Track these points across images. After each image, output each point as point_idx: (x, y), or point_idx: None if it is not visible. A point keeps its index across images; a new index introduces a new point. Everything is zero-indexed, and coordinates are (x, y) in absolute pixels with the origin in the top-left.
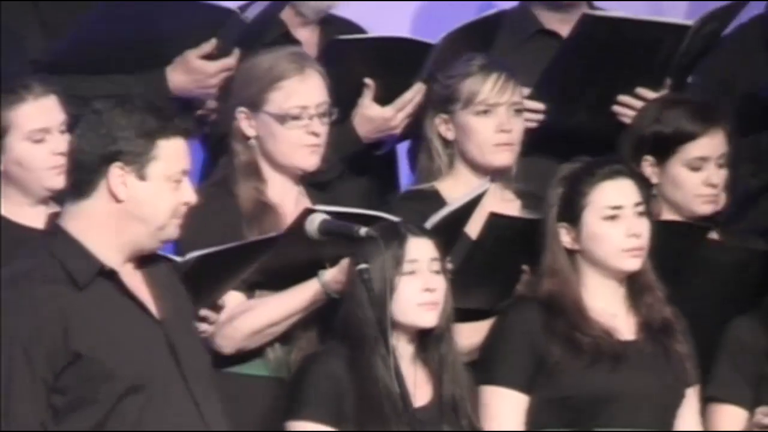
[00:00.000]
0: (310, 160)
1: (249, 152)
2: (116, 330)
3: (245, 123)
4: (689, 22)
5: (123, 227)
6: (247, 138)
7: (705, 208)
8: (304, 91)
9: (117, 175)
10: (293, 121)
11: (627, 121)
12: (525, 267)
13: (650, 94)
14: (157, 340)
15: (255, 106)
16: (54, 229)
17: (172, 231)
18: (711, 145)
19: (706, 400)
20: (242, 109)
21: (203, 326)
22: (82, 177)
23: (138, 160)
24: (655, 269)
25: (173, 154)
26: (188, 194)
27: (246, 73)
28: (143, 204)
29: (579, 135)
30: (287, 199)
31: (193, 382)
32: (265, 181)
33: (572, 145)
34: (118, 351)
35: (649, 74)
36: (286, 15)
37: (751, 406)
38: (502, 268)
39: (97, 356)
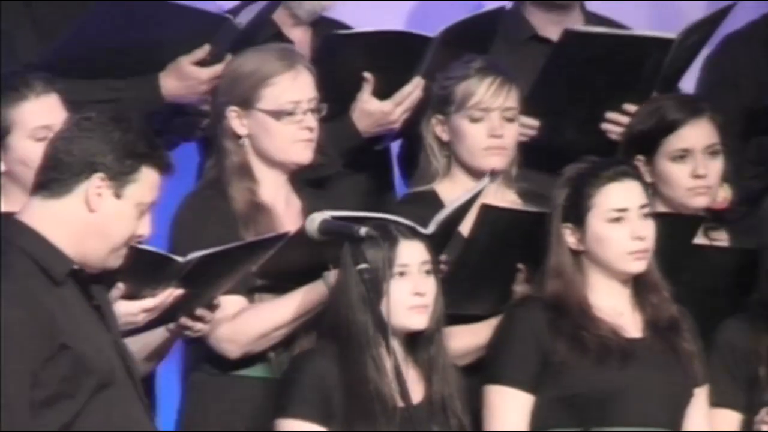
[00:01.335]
0: (304, 154)
1: (240, 151)
2: (86, 328)
3: (236, 122)
4: (672, 35)
5: (84, 237)
6: (239, 137)
7: (699, 201)
8: (297, 86)
9: (96, 185)
10: (288, 117)
11: (616, 137)
12: (521, 266)
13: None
14: (110, 342)
15: (247, 104)
16: (14, 224)
17: (118, 258)
18: (694, 134)
19: None
20: (233, 107)
21: (198, 326)
22: (60, 178)
23: (120, 178)
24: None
25: (150, 183)
26: (146, 228)
27: (234, 72)
28: (110, 220)
29: (570, 151)
30: (279, 198)
31: (138, 385)
32: (258, 181)
33: (565, 161)
34: (90, 347)
35: (635, 89)
36: (279, 15)
37: (744, 409)
38: (497, 267)
39: (79, 349)
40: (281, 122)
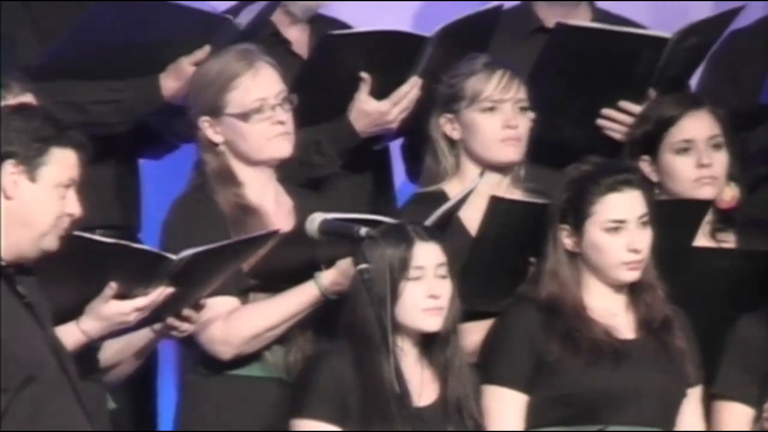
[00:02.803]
0: (283, 147)
1: (219, 159)
2: (14, 323)
3: (210, 131)
4: (667, 34)
5: (9, 229)
6: (215, 145)
7: (705, 192)
8: (259, 84)
9: (9, 172)
10: (256, 116)
11: (612, 134)
12: (532, 259)
13: (632, 107)
14: (42, 338)
15: (215, 111)
16: None
17: (52, 240)
18: (694, 126)
19: (712, 398)
20: (204, 117)
21: (185, 326)
22: None
23: (30, 162)
24: (655, 252)
25: (64, 162)
26: (73, 206)
27: (199, 81)
28: (30, 206)
29: (568, 146)
30: (267, 198)
31: (76, 383)
32: (242, 184)
33: (565, 156)
34: (17, 340)
35: (630, 86)
36: (275, 14)
37: (756, 404)
38: (508, 261)
39: (6, 340)
40: (251, 122)
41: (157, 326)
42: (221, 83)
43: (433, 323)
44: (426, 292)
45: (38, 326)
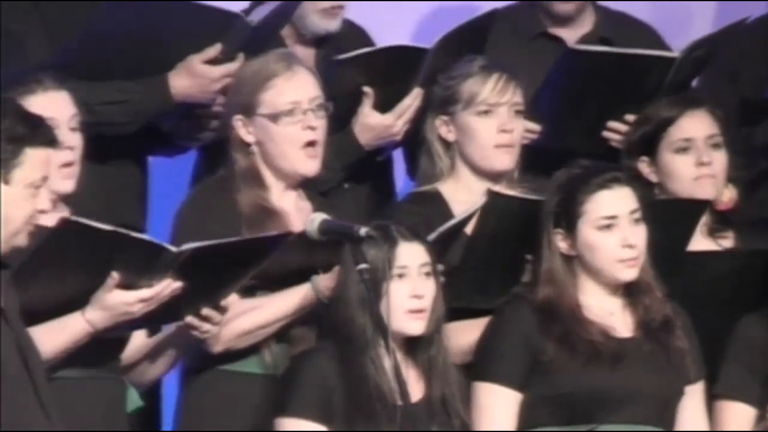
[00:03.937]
0: (309, 165)
1: (249, 159)
2: None
3: (243, 130)
4: (675, 54)
5: None
6: (247, 145)
7: (705, 191)
8: (294, 86)
9: None
10: (287, 118)
11: (617, 146)
12: (529, 256)
13: None
14: (8, 340)
15: (249, 110)
16: None
17: (23, 238)
18: (693, 125)
19: (714, 398)
20: (238, 116)
21: (205, 326)
22: None
23: (5, 165)
24: (653, 252)
25: (37, 162)
26: (44, 202)
27: (237, 80)
28: (6, 208)
29: (572, 156)
30: (289, 203)
31: (40, 385)
32: (267, 187)
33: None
34: None
35: (638, 102)
36: (284, 29)
37: (759, 404)
38: (504, 258)
39: None
40: (280, 124)
41: (180, 325)
42: (257, 82)
43: (416, 327)
44: (410, 292)
45: (4, 324)
